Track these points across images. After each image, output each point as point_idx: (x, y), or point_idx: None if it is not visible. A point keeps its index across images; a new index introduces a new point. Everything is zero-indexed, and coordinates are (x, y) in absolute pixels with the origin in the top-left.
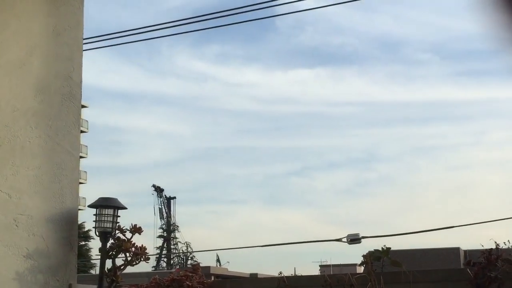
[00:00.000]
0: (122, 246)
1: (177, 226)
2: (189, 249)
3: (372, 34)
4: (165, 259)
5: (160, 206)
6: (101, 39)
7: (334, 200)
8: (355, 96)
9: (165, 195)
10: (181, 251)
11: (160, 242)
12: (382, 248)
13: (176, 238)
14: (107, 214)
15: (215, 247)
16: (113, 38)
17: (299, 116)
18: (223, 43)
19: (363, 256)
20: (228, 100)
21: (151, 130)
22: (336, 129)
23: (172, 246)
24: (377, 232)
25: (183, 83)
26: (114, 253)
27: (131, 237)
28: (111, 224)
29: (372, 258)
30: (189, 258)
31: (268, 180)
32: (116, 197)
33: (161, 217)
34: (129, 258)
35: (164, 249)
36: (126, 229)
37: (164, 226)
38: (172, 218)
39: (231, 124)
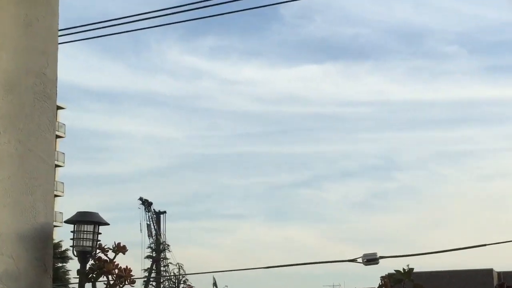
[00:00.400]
0: (104, 267)
1: (168, 245)
2: (181, 271)
3: (389, 24)
4: (154, 283)
5: (148, 222)
6: (80, 30)
7: (348, 214)
8: (370, 95)
9: (154, 209)
10: (172, 274)
11: (148, 263)
12: (404, 269)
13: (167, 258)
14: (87, 231)
15: (212, 268)
16: (94, 29)
17: (307, 118)
18: (219, 35)
19: (382, 278)
20: (226, 100)
21: (137, 134)
22: (350, 132)
23: (162, 268)
24: (398, 251)
25: (174, 81)
26: (94, 275)
27: (114, 258)
28: (91, 242)
29: (392, 280)
30: (182, 282)
31: (271, 192)
32: (96, 212)
33: (150, 235)
34: (111, 282)
35: (153, 271)
36: (108, 248)
37: (152, 245)
38: (162, 235)
39: (229, 127)
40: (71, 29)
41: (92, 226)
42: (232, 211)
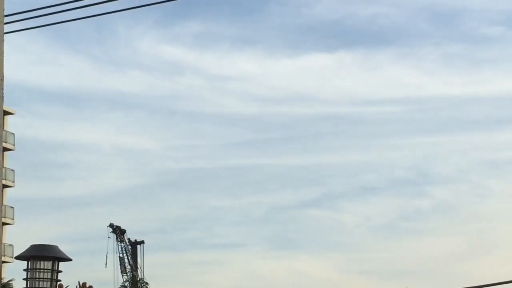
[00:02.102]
0: None
1: (147, 283)
2: None
3: (416, 2)
4: None
5: (121, 255)
6: (29, 16)
7: (370, 241)
8: (395, 91)
9: (128, 239)
10: None
11: None
12: None
13: None
14: (44, 269)
15: None
16: (47, 15)
17: (316, 120)
18: (205, 20)
19: None
20: (214, 100)
21: (104, 145)
22: (371, 138)
23: None
24: (433, 285)
25: (149, 78)
26: None
27: None
28: (49, 283)
29: None
30: None
31: (273, 215)
32: (55, 245)
33: (123, 271)
34: None
35: None
36: None
37: (127, 284)
38: (139, 271)
39: (219, 134)
40: (18, 15)
41: (50, 263)
42: (225, 239)
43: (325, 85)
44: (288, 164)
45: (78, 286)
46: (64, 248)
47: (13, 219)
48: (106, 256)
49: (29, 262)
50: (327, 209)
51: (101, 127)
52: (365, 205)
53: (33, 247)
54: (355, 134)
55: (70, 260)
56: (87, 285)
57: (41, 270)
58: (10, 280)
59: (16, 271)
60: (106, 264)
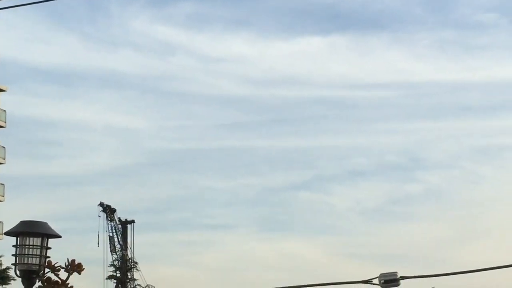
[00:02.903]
0: None
1: (136, 263)
2: None
3: None
4: None
5: (111, 234)
6: None
7: (360, 225)
8: (388, 76)
9: (118, 218)
10: None
11: (111, 285)
12: None
13: (135, 279)
14: (33, 246)
15: None
16: None
17: (309, 103)
18: (197, 1)
19: None
20: (207, 81)
21: (95, 124)
22: (363, 122)
23: None
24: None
25: (142, 57)
26: None
27: (68, 278)
28: (38, 259)
29: None
30: None
31: (265, 196)
32: (45, 221)
33: (113, 250)
34: None
35: None
36: (60, 266)
37: (117, 263)
38: (128, 251)
39: (211, 115)
40: None
41: (39, 239)
42: (216, 220)
43: (318, 68)
44: (280, 147)
45: (67, 263)
46: (54, 226)
47: (3, 196)
48: (98, 235)
49: (18, 238)
50: (317, 192)
51: (93, 106)
52: (355, 189)
53: (23, 223)
54: (347, 118)
55: (60, 237)
56: (76, 263)
57: (30, 246)
58: (0, 257)
59: (5, 248)
60: (98, 244)
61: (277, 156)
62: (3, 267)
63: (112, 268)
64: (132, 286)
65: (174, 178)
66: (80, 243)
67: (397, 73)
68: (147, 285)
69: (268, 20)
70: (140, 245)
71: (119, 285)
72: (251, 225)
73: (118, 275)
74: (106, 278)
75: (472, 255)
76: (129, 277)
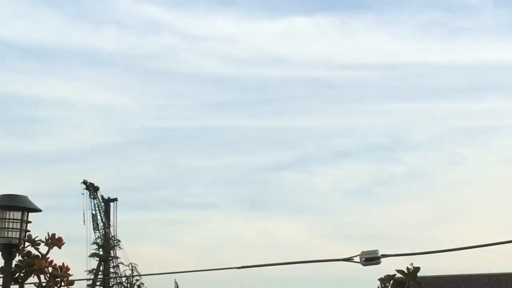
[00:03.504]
0: (34, 264)
1: (119, 241)
2: (135, 272)
3: None
4: (101, 287)
5: (93, 212)
6: None
7: (343, 205)
8: (372, 56)
9: (101, 196)
10: (124, 276)
11: (94, 263)
12: (408, 268)
13: (117, 257)
14: (13, 219)
15: (172, 269)
16: None
17: (293, 83)
18: None
19: (381, 281)
20: (191, 60)
21: (78, 102)
22: (346, 103)
23: (111, 270)
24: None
25: (126, 35)
26: (22, 275)
27: (48, 252)
28: (18, 233)
29: (393, 283)
30: (136, 286)
31: (247, 176)
32: (25, 195)
33: (96, 228)
34: (44, 283)
35: (100, 273)
36: (40, 240)
37: (99, 241)
38: (111, 229)
39: (195, 94)
40: None
41: (19, 214)
42: (199, 199)
43: (302, 48)
44: (263, 126)
45: (47, 237)
46: (36, 204)
47: None
48: (84, 213)
49: None
50: (301, 172)
51: (76, 84)
52: (338, 169)
53: (3, 196)
54: (330, 98)
55: (40, 211)
56: (56, 236)
57: (10, 220)
58: None
59: None
60: (84, 221)
61: (260, 136)
62: None
63: (95, 246)
64: (114, 264)
65: (157, 157)
66: (63, 221)
67: (381, 54)
68: (129, 263)
69: None
70: (123, 223)
71: (102, 263)
72: (234, 205)
73: (101, 253)
74: (89, 256)
75: (454, 235)
76: (112, 255)
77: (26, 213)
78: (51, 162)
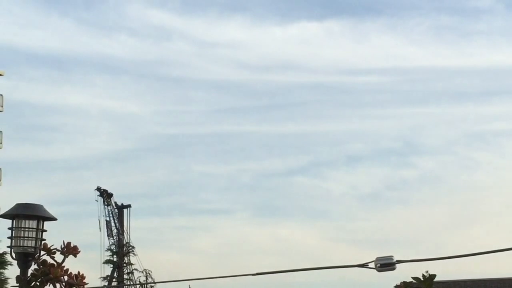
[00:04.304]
0: (50, 273)
1: (133, 247)
2: (149, 279)
3: None
4: None
5: (107, 218)
6: None
7: (356, 210)
8: (384, 61)
9: (115, 203)
10: (138, 283)
11: (108, 269)
12: (424, 275)
13: (131, 264)
14: (28, 228)
15: (186, 276)
16: None
17: (304, 89)
18: None
19: (397, 287)
20: (202, 67)
21: (91, 109)
22: (358, 108)
23: (125, 276)
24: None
25: (137, 42)
26: (38, 283)
27: (63, 261)
28: (33, 242)
29: None
30: None
31: (260, 182)
32: (41, 204)
33: (110, 234)
34: None
35: (114, 279)
36: (55, 249)
37: (113, 247)
38: (125, 235)
39: (206, 100)
40: None
41: (35, 222)
42: (212, 205)
43: (313, 53)
44: (275, 132)
45: (63, 245)
46: (51, 211)
47: (0, 181)
48: (99, 220)
49: (14, 221)
50: (313, 177)
51: (88, 91)
52: (351, 174)
53: (18, 205)
54: (342, 103)
55: (55, 219)
56: (72, 245)
57: (26, 229)
58: None
59: (1, 232)
60: (100, 228)
61: (272, 142)
62: (0, 252)
63: (109, 253)
64: (128, 271)
65: (170, 163)
66: (77, 228)
67: (392, 59)
68: (143, 270)
69: (263, 5)
70: (136, 229)
71: (116, 270)
72: (247, 210)
73: (115, 259)
74: (103, 263)
75: (468, 240)
76: (126, 261)
77: (42, 222)
78: (66, 169)
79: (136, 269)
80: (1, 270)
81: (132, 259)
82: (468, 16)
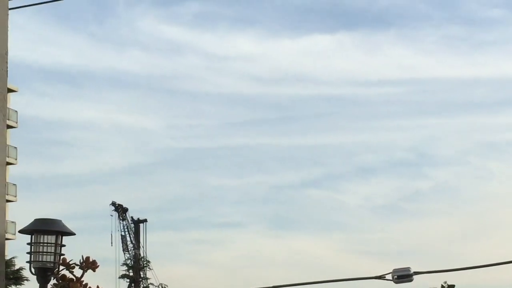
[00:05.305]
0: (69, 287)
1: (149, 262)
2: None
3: None
4: None
5: (123, 233)
6: None
7: (371, 221)
8: (395, 72)
9: (131, 217)
10: None
11: (124, 284)
12: (443, 286)
13: (147, 278)
14: (47, 243)
15: None
16: None
17: (316, 101)
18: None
19: None
20: (214, 80)
21: (104, 123)
22: (371, 119)
23: None
24: (434, 265)
25: (150, 57)
26: None
27: (82, 275)
28: (52, 256)
29: None
30: None
31: (274, 194)
32: (59, 219)
33: (125, 249)
34: None
35: None
36: (74, 263)
37: (129, 262)
38: (141, 250)
39: (219, 114)
40: None
41: (54, 237)
42: (226, 218)
43: (325, 66)
44: (288, 145)
45: (81, 261)
46: (68, 224)
47: (15, 196)
48: (111, 234)
49: (33, 236)
50: (327, 190)
51: (101, 106)
52: (365, 186)
53: (37, 221)
54: (355, 115)
55: (74, 234)
56: (91, 260)
57: (45, 244)
58: (13, 257)
59: (18, 248)
60: (112, 243)
61: (285, 154)
62: (17, 267)
63: (125, 267)
64: (145, 285)
65: (183, 177)
66: (92, 243)
67: (404, 70)
68: (159, 284)
69: (274, 18)
70: (151, 244)
71: (132, 284)
72: (261, 223)
73: (131, 274)
74: (119, 277)
75: (484, 250)
76: (142, 276)
77: (61, 237)
78: (80, 184)
79: (152, 284)
80: (17, 286)
81: (148, 273)
82: (479, 26)
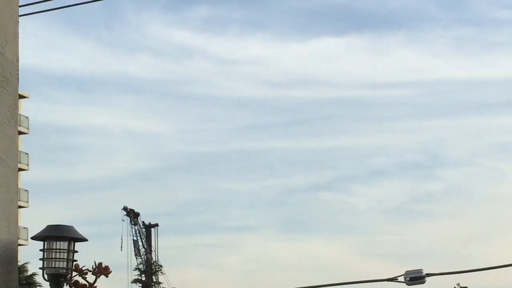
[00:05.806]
0: None
1: (161, 266)
2: None
3: None
4: None
5: (135, 238)
6: (39, 0)
7: (382, 224)
8: (405, 74)
9: (142, 222)
10: None
11: None
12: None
13: (160, 283)
14: (60, 249)
15: None
16: None
17: (326, 104)
18: (214, 4)
19: None
20: (224, 84)
21: (114, 129)
22: (381, 121)
23: None
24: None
25: (159, 61)
26: None
27: (95, 281)
28: (65, 263)
29: None
30: None
31: (285, 198)
32: (71, 225)
33: (137, 254)
34: None
35: None
36: (87, 269)
37: (141, 266)
38: (153, 254)
39: (229, 118)
40: None
41: (66, 243)
42: (237, 222)
43: (334, 69)
44: (298, 148)
45: (94, 266)
46: (80, 230)
47: (27, 202)
48: (121, 239)
49: (45, 242)
50: (338, 192)
51: (112, 111)
52: (376, 188)
53: (49, 227)
54: (365, 117)
55: (86, 240)
56: (104, 265)
57: (58, 250)
58: (25, 263)
59: (30, 254)
60: (121, 248)
61: (296, 157)
62: (29, 273)
63: (137, 272)
64: None
65: (194, 181)
66: (104, 248)
67: (414, 72)
68: None
69: (283, 21)
70: (163, 248)
71: None
72: (273, 227)
73: (143, 278)
74: (131, 282)
75: (496, 252)
76: (154, 280)
77: (73, 243)
78: (92, 189)
79: None
80: None
81: (161, 278)
82: (488, 27)
